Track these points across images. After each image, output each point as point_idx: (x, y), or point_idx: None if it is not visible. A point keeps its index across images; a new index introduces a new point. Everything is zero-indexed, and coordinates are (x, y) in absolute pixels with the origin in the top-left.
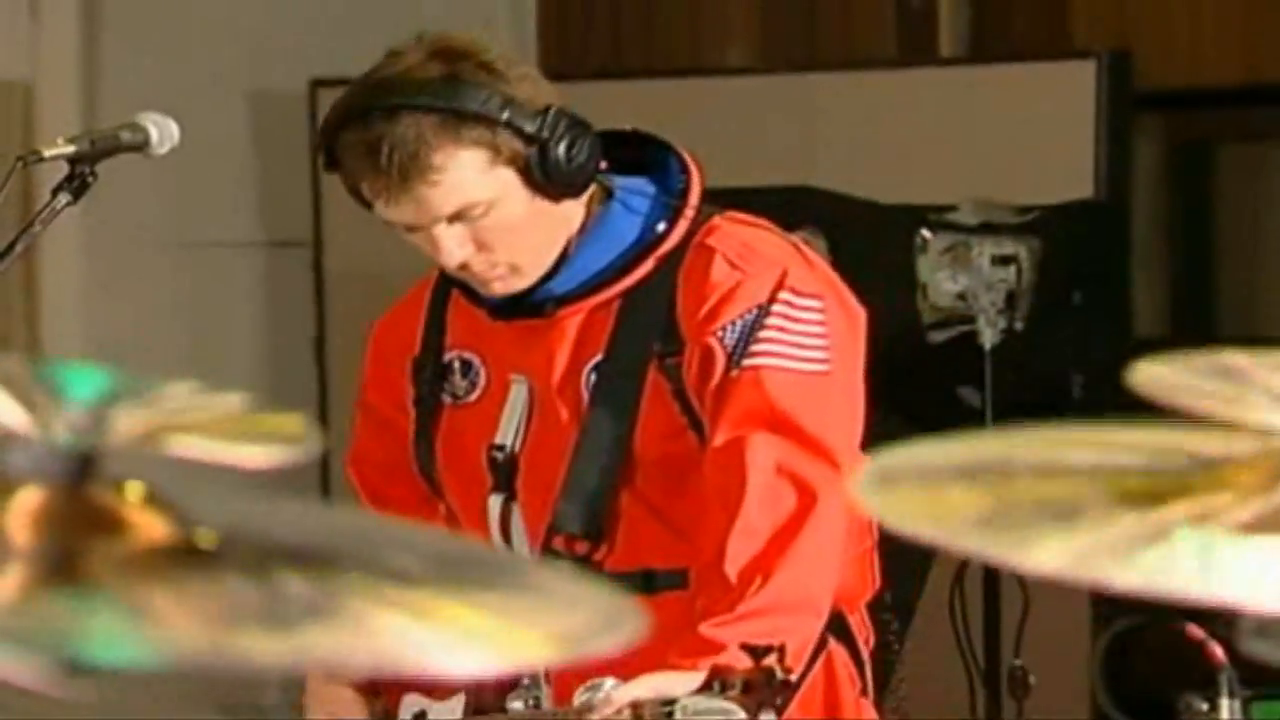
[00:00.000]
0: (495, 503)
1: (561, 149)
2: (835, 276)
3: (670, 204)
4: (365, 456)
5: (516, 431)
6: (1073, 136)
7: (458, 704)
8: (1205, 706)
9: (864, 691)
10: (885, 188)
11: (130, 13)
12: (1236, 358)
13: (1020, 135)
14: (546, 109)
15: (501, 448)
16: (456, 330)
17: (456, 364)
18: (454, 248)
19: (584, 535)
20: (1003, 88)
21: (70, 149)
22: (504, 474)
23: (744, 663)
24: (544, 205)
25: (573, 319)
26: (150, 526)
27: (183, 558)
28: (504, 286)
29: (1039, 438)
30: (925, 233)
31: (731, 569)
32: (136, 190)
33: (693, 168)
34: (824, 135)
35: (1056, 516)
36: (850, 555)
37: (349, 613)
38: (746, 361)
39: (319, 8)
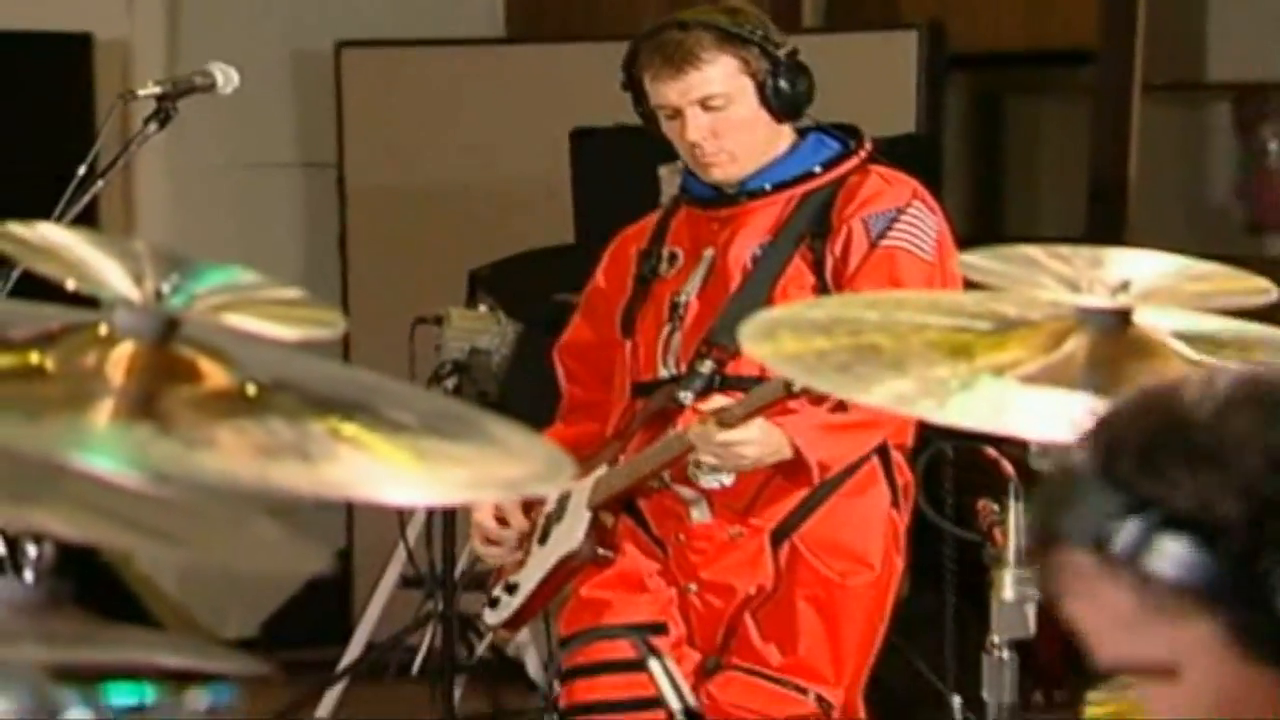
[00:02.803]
0: (665, 331)
1: (787, 80)
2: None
3: (848, 149)
4: (571, 343)
5: (695, 285)
6: (901, 87)
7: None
8: (996, 508)
9: (894, 504)
10: None
11: None
12: (1031, 249)
13: (861, 86)
14: (792, 51)
15: (680, 293)
16: (674, 232)
17: (666, 253)
18: (698, 126)
19: (727, 346)
20: (850, 51)
21: (158, 90)
22: (678, 312)
23: None
24: (766, 118)
25: (756, 211)
26: (214, 377)
27: (237, 402)
28: (721, 172)
29: (882, 301)
30: None
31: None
32: (204, 123)
33: (867, 140)
34: None
35: (890, 365)
36: None
37: (335, 452)
38: (884, 242)
39: None
